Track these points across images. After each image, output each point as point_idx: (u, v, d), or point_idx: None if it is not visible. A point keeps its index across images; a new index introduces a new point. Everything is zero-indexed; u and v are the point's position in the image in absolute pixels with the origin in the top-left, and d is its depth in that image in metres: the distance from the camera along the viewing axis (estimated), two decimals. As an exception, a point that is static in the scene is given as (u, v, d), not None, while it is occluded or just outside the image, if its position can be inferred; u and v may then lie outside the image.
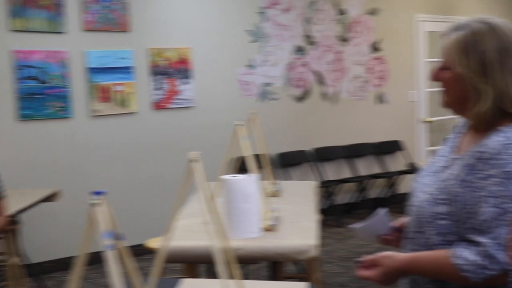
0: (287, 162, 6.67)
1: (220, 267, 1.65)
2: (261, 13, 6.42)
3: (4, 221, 2.20)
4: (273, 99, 6.56)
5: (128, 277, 1.39)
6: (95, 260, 5.65)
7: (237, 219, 2.71)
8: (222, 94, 6.22)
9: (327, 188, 6.73)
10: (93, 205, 1.20)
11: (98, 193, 1.22)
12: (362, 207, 7.07)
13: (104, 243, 1.20)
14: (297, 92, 6.75)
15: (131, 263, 1.30)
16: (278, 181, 3.96)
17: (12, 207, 3.98)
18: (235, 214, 2.71)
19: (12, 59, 5.06)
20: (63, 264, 5.39)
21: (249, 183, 2.73)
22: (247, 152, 2.95)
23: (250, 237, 2.71)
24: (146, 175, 5.82)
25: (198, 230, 2.83)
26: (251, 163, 2.94)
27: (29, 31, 5.12)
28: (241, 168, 3.20)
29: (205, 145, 6.06)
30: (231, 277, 1.83)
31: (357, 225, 1.79)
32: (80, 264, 1.26)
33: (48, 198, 4.51)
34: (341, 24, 7.00)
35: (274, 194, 3.59)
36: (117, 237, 1.25)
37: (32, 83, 5.14)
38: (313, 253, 2.62)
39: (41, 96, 5.18)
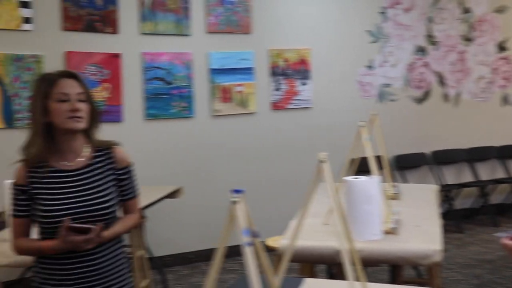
0: (404, 165, 6.54)
1: (347, 268, 1.67)
2: (382, 13, 6.34)
3: (138, 218, 2.33)
4: (392, 100, 6.46)
5: (262, 273, 1.43)
6: (212, 256, 5.81)
7: (358, 221, 2.70)
8: (340, 94, 6.21)
9: (446, 192, 6.53)
10: (233, 202, 1.26)
11: (237, 191, 1.28)
12: (483, 213, 6.79)
13: (243, 240, 1.25)
14: (417, 93, 6.60)
15: (266, 260, 1.35)
16: (396, 184, 3.90)
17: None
18: (356, 215, 2.71)
19: (142, 61, 5.34)
20: (182, 259, 5.61)
21: (371, 185, 2.72)
22: (369, 153, 2.94)
23: (372, 239, 2.69)
24: (264, 174, 5.92)
25: (320, 230, 2.86)
26: (372, 165, 2.93)
27: (157, 34, 5.38)
28: (358, 169, 3.18)
29: (322, 145, 6.08)
30: (357, 279, 1.84)
31: (502, 234, 1.74)
32: (219, 258, 1.32)
33: (171, 195, 4.69)
34: (465, 23, 6.76)
35: (394, 197, 3.55)
36: (254, 234, 1.30)
37: (159, 84, 5.39)
38: (437, 258, 2.56)
39: (166, 96, 5.42)
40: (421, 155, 6.67)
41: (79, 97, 2.09)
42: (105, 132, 4.98)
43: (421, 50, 6.55)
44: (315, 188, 1.72)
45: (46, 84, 2.07)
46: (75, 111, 2.06)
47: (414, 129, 6.63)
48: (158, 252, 5.28)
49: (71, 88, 2.08)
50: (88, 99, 2.13)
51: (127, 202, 2.27)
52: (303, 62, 5.99)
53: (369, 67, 6.31)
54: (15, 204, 2.09)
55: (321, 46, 6.09)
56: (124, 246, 2.29)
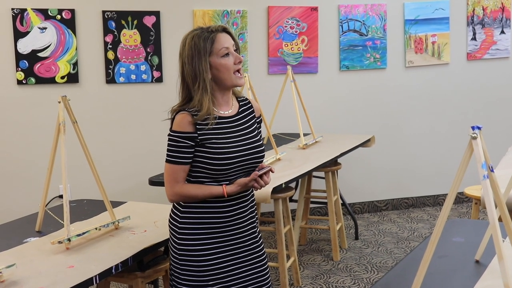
0: None
1: None
2: None
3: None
4: None
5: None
6: (400, 205, 5.89)
7: None
8: (541, 44, 5.89)
9: None
10: (473, 137, 1.38)
11: (476, 127, 1.39)
12: None
13: (481, 173, 1.36)
14: None
15: (500, 194, 1.45)
16: None
17: (334, 150, 4.41)
18: None
19: (338, 14, 5.46)
20: (372, 207, 5.76)
21: None
22: None
23: None
24: (456, 125, 5.81)
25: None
26: None
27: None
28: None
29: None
30: None
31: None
32: (449, 201, 1.44)
33: (364, 144, 4.81)
34: None
35: None
36: (490, 168, 1.41)
37: (354, 36, 5.50)
38: None
39: (360, 47, 5.53)
40: None
41: (233, 48, 2.17)
42: (301, 83, 5.21)
43: None
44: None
45: (206, 42, 2.11)
46: (240, 63, 2.16)
47: None
48: (348, 199, 5.48)
49: (228, 41, 2.15)
50: (238, 50, 2.20)
51: None
52: (503, 9, 5.75)
53: None
54: (178, 152, 2.13)
55: (523, -8, 5.79)
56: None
